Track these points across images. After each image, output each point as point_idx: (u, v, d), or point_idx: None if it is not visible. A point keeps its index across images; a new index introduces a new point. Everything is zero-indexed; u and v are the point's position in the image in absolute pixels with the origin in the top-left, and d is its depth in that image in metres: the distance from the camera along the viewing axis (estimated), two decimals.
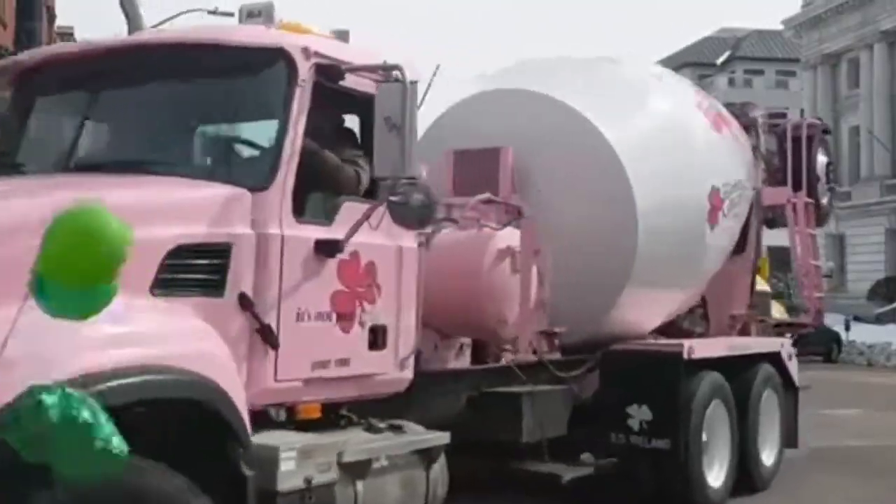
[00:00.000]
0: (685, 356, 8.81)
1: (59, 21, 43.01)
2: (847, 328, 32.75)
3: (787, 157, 11.46)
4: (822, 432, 14.19)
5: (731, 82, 70.92)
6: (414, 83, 5.58)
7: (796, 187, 11.45)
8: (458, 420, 7.27)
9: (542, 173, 8.60)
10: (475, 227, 7.93)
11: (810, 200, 11.59)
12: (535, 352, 8.20)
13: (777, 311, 18.73)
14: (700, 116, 10.09)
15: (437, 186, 8.02)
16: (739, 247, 10.92)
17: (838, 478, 11.19)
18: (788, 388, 10.81)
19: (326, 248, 5.72)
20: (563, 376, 8.39)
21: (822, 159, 11.93)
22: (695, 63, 75.56)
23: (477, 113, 9.06)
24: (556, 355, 8.56)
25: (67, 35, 44.81)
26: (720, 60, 74.45)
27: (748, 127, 11.27)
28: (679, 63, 77.96)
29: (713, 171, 9.78)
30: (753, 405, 9.90)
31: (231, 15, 39.13)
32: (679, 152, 9.30)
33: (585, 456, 8.63)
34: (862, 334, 32.68)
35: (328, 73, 5.86)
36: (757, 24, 77.08)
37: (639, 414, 8.59)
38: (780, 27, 60.88)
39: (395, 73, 5.56)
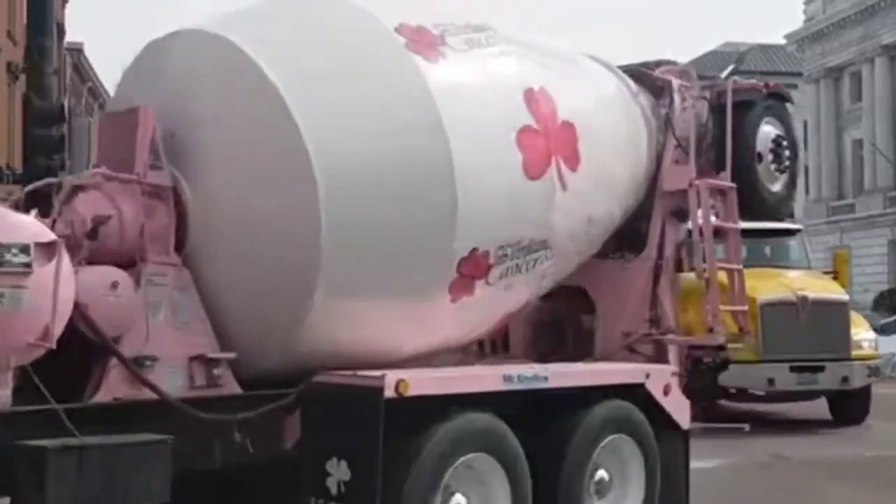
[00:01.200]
0: (389, 393, 6.01)
1: (69, 37, 43.21)
2: None
3: (696, 128, 8.82)
4: (830, 443, 14.22)
5: None
6: None
7: (717, 167, 8.79)
8: None
9: (201, 135, 6.41)
10: None
11: (728, 185, 8.71)
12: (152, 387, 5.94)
13: (862, 328, 16.32)
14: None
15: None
16: (636, 244, 8.67)
17: (845, 489, 11.03)
18: (669, 433, 7.72)
19: None
20: (211, 420, 6.02)
21: (767, 131, 9.17)
22: (699, 76, 75.78)
23: (148, 65, 6.90)
24: (230, 389, 6.33)
25: (77, 51, 45.15)
26: (724, 74, 74.80)
27: (662, 91, 8.99)
28: None
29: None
30: (575, 458, 7.03)
31: None
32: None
33: None
34: None
35: None
36: (760, 38, 77.41)
37: (338, 472, 6.15)
38: (783, 42, 61.15)
39: None
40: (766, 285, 15.09)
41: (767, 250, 17.24)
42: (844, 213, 52.15)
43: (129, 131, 6.24)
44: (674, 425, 7.79)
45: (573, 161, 7.48)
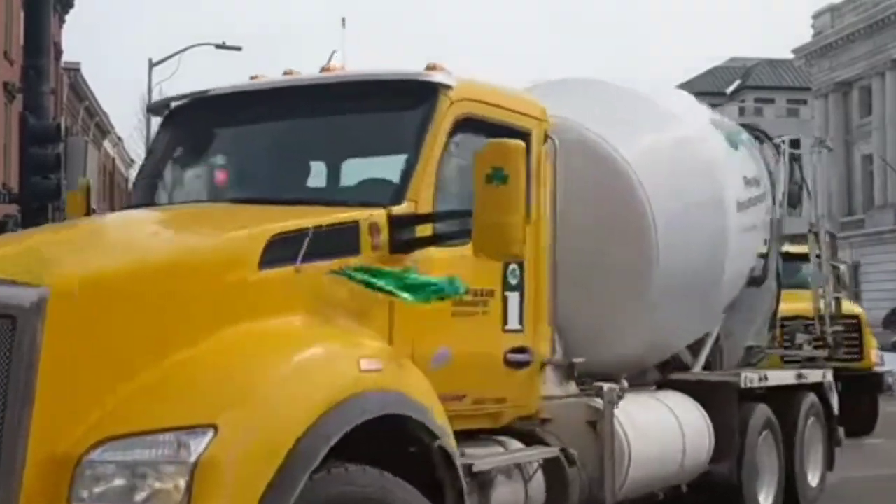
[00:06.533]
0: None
1: (65, 57, 43.13)
2: None
3: None
4: (843, 461, 13.85)
5: (742, 111, 70.86)
6: None
7: None
8: None
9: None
10: None
11: None
12: None
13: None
14: None
15: None
16: None
17: None
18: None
19: None
20: None
21: None
22: (705, 92, 75.61)
23: None
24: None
25: (74, 70, 45.05)
26: (730, 90, 74.43)
27: None
28: (689, 92, 77.93)
29: None
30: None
31: (238, 49, 38.73)
32: None
33: None
34: None
35: None
36: (767, 53, 77.17)
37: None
38: (791, 56, 60.95)
39: None
40: None
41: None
42: (854, 229, 51.76)
43: None
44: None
45: None
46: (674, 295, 8.43)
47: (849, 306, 16.58)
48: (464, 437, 5.95)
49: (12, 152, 27.49)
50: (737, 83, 75.07)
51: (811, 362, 11.46)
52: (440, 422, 5.33)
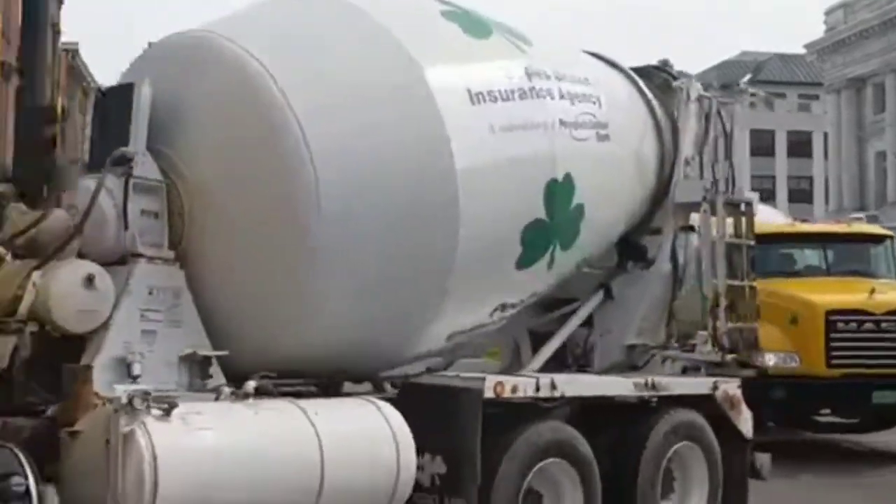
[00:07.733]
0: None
1: (64, 37, 42.77)
2: None
3: None
4: (854, 462, 13.46)
5: (753, 105, 70.49)
6: None
7: None
8: None
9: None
10: None
11: None
12: None
13: None
14: None
15: None
16: None
17: None
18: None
19: None
20: None
21: None
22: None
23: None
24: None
25: (72, 51, 44.71)
26: (741, 84, 74.12)
27: None
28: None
29: None
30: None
31: None
32: None
33: None
34: None
35: None
36: (779, 48, 76.90)
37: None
38: (803, 51, 60.58)
39: None
40: None
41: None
42: None
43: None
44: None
45: None
46: (359, 246, 6.33)
47: None
48: None
49: (7, 132, 27.23)
50: (747, 77, 74.76)
51: (719, 367, 8.63)
52: None
